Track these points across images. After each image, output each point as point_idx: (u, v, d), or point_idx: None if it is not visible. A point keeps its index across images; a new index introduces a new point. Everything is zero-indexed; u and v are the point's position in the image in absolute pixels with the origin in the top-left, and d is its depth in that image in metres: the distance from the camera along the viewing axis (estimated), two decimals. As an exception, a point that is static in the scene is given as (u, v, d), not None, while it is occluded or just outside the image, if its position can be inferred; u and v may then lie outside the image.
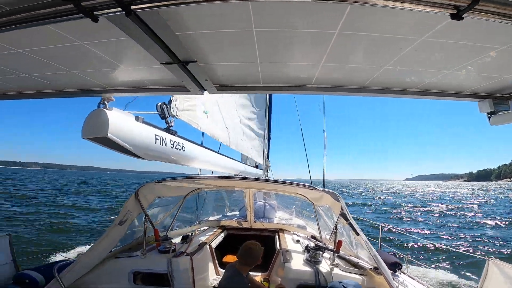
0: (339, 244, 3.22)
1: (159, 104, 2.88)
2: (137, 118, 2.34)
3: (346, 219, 3.05)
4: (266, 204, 6.35)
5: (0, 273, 3.39)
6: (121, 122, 2.12)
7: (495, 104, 1.95)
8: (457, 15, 0.98)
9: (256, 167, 8.12)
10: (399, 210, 29.37)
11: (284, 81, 1.89)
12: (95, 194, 38.82)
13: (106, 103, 2.16)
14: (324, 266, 3.25)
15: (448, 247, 8.03)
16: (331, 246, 3.43)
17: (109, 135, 1.98)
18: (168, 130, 2.83)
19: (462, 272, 9.87)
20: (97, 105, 2.15)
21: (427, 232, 17.82)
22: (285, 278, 3.16)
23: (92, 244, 3.08)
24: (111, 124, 2.00)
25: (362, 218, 11.46)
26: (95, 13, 1.03)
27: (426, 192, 76.77)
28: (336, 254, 3.34)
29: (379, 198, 49.93)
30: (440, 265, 11.14)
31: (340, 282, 2.67)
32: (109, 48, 1.51)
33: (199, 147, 3.60)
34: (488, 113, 2.05)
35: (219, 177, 3.98)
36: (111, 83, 2.08)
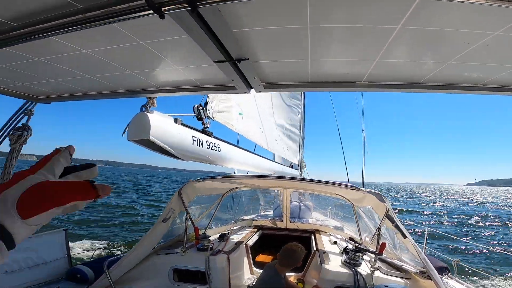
0: (382, 246, 3.09)
1: (196, 106, 2.91)
2: (175, 120, 2.38)
3: (392, 221, 2.93)
4: (302, 204, 6.31)
5: (55, 268, 3.52)
6: (161, 124, 2.16)
7: None
8: None
9: (292, 166, 8.03)
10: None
11: (333, 78, 1.79)
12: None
13: (148, 107, 2.20)
14: (364, 269, 3.12)
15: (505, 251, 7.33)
16: (372, 249, 3.30)
17: (150, 137, 2.03)
18: (204, 131, 2.85)
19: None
20: (140, 108, 2.19)
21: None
22: (322, 279, 3.08)
23: (138, 241, 3.18)
24: (152, 126, 2.04)
25: (409, 222, 10.97)
26: (163, 9, 1.03)
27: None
28: (378, 257, 3.20)
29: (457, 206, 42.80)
30: (496, 271, 10.36)
31: (386, 286, 2.58)
32: (165, 47, 1.51)
33: (234, 147, 3.61)
34: None
35: (258, 176, 4.00)
36: (163, 83, 2.10)
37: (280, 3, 1.13)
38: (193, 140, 2.53)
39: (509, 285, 7.76)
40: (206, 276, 3.16)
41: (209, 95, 3.12)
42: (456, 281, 3.91)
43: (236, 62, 1.53)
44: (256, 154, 4.62)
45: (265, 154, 6.24)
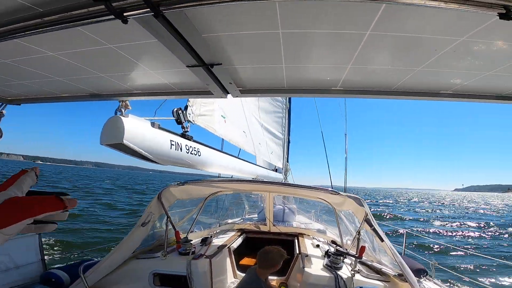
0: (362, 249, 3.12)
1: (175, 109, 2.89)
2: (152, 124, 2.37)
3: (371, 224, 2.98)
4: (285, 208, 6.31)
5: (29, 272, 3.44)
6: (136, 128, 2.14)
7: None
8: (506, 15, 0.92)
9: (276, 170, 8.05)
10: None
11: (309, 84, 1.81)
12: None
13: (123, 110, 2.18)
14: (345, 272, 3.15)
15: (482, 254, 7.49)
16: (353, 252, 3.35)
17: (124, 141, 2.00)
18: (184, 135, 2.84)
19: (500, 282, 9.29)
20: (114, 112, 2.16)
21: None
22: (304, 283, 3.08)
23: (116, 245, 3.12)
24: (126, 131, 2.02)
25: (385, 224, 11.06)
26: (124, 14, 1.02)
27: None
28: (358, 260, 3.25)
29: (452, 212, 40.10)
30: (473, 272, 10.49)
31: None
32: (136, 51, 1.50)
33: (216, 151, 3.61)
34: None
35: (239, 180, 3.94)
36: (138, 86, 2.08)
37: (250, 9, 1.13)
38: (171, 144, 2.51)
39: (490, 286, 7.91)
40: (187, 281, 3.11)
41: (189, 99, 3.11)
42: (434, 283, 3.96)
43: (209, 66, 1.52)
44: (239, 158, 4.61)
45: (249, 158, 6.25)
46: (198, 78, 1.69)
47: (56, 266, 3.70)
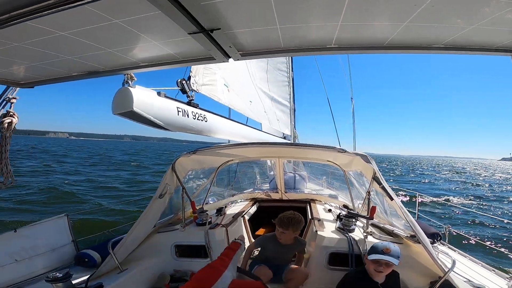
0: (372, 210, 3.17)
1: (179, 80, 3.00)
2: (159, 93, 2.49)
3: (379, 183, 2.94)
4: (296, 175, 6.39)
5: (63, 253, 3.53)
6: (144, 97, 2.28)
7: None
8: None
9: (284, 138, 8.12)
10: None
11: (305, 42, 1.86)
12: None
13: (130, 82, 2.30)
14: (358, 234, 3.21)
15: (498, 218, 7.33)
16: (364, 214, 3.40)
17: (134, 108, 2.16)
18: (189, 103, 2.93)
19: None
20: (122, 84, 2.29)
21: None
22: (318, 246, 3.16)
23: (137, 219, 3.18)
24: (135, 99, 2.17)
25: (396, 187, 10.96)
26: None
27: None
28: (370, 222, 3.28)
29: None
30: (489, 237, 10.48)
31: (380, 242, 2.63)
32: (139, 24, 1.57)
33: (222, 118, 3.71)
34: None
35: (246, 144, 3.93)
36: (143, 59, 2.15)
37: None
38: (178, 111, 2.64)
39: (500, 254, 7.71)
40: (206, 250, 3.27)
41: (192, 70, 3.19)
42: (449, 247, 4.00)
43: (209, 32, 1.59)
44: (247, 125, 4.69)
45: (257, 126, 6.30)
46: (199, 45, 1.76)
47: (87, 246, 3.78)
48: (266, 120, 6.42)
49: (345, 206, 4.57)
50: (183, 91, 3.01)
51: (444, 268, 2.43)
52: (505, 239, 11.01)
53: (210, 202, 4.94)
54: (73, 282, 2.41)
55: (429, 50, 1.81)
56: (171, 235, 3.48)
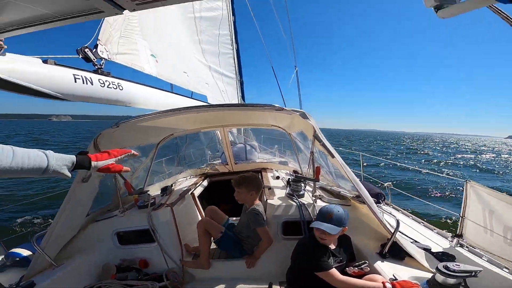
0: (317, 170, 3.09)
1: (80, 48, 2.67)
2: (45, 61, 2.17)
3: (320, 140, 2.85)
4: (247, 145, 6.20)
5: None
6: (20, 65, 1.95)
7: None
8: None
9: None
10: None
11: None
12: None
13: (-2, 50, 1.96)
14: (307, 200, 3.13)
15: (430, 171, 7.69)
16: (311, 177, 3.28)
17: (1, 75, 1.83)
18: (97, 71, 2.65)
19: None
20: None
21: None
22: (269, 216, 3.06)
23: (59, 209, 2.70)
24: (4, 68, 1.83)
25: (341, 149, 10.99)
26: None
27: None
28: (319, 185, 3.19)
29: None
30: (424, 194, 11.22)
31: (325, 207, 2.41)
32: None
33: (144, 86, 3.39)
34: (434, 7, 1.86)
35: (175, 110, 3.17)
36: (11, 22, 1.84)
37: None
38: (76, 78, 2.35)
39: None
40: (151, 234, 2.99)
41: (100, 38, 2.90)
42: (392, 207, 4.07)
43: None
44: (178, 94, 4.40)
45: (203, 99, 5.99)
46: None
47: (18, 245, 3.42)
48: (208, 92, 6.15)
49: (295, 172, 4.46)
50: (87, 59, 2.71)
51: (390, 229, 2.40)
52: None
53: (156, 183, 4.54)
54: (6, 285, 2.19)
55: None
56: (110, 222, 3.13)
